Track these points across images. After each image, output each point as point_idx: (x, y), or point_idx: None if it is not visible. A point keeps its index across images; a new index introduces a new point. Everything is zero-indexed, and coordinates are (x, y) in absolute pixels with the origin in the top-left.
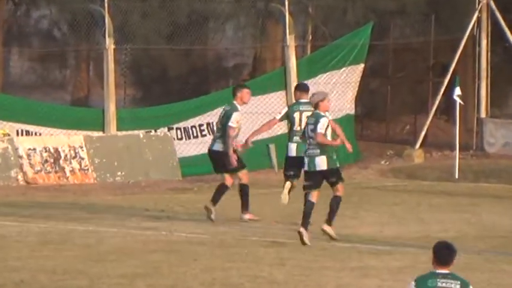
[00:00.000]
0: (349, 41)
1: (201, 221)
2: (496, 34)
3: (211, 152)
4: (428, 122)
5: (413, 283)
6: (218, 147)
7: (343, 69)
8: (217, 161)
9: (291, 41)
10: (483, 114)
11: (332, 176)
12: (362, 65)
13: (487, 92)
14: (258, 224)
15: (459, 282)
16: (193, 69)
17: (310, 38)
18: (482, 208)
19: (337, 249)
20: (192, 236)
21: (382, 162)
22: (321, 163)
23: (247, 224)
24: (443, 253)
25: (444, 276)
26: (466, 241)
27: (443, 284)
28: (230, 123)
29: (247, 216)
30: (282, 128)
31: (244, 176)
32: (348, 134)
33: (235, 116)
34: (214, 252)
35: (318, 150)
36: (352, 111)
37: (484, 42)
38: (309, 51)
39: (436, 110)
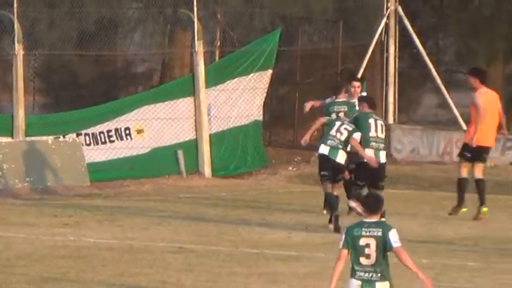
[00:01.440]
0: (257, 47)
1: (109, 226)
2: (404, 40)
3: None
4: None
5: (345, 229)
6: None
7: (251, 75)
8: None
9: (199, 47)
10: (391, 121)
11: None
12: (270, 71)
13: (395, 98)
14: (165, 229)
15: (381, 229)
16: (102, 75)
17: (219, 44)
18: (390, 214)
19: (245, 255)
20: (100, 241)
21: (290, 168)
22: None
23: (155, 229)
24: (371, 202)
25: (369, 225)
26: None
27: (367, 233)
28: None
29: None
30: (190, 135)
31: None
32: (256, 141)
33: None
34: (122, 258)
35: None
36: (260, 118)
37: (391, 49)
38: (217, 57)
39: None
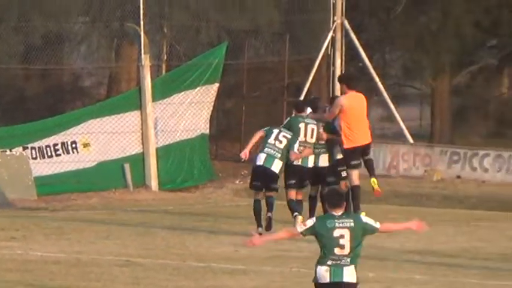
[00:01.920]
0: (203, 60)
1: (56, 240)
2: (351, 54)
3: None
4: None
5: (313, 219)
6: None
7: (198, 88)
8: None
9: (145, 60)
10: None
11: None
12: (217, 85)
13: None
14: (112, 243)
15: (352, 220)
16: (49, 89)
17: (165, 57)
18: None
19: (192, 269)
20: (48, 255)
21: (237, 181)
22: None
23: (102, 243)
24: (334, 198)
25: (339, 217)
26: None
27: (340, 224)
28: None
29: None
30: (136, 148)
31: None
32: (203, 154)
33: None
34: (69, 272)
35: None
36: (207, 131)
37: (338, 62)
38: (164, 71)
39: None
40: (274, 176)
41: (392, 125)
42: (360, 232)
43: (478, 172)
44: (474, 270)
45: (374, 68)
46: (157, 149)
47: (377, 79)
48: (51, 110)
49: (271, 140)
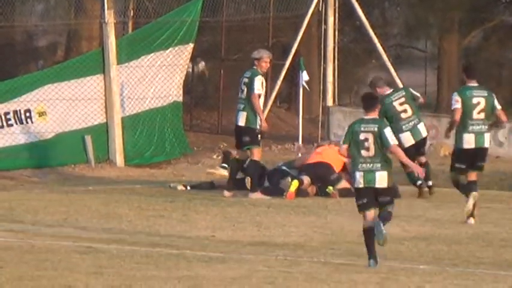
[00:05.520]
0: (176, 17)
1: (8, 223)
2: (345, 10)
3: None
4: (266, 111)
5: (347, 126)
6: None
7: (170, 49)
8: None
9: (109, 17)
10: (330, 102)
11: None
12: (191, 45)
13: (334, 77)
14: (72, 226)
15: (377, 125)
16: None
17: (132, 13)
18: (329, 210)
19: (163, 257)
20: None
21: (214, 156)
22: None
23: (59, 227)
24: (366, 101)
25: (367, 121)
26: (311, 248)
27: (365, 129)
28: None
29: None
30: (99, 118)
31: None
32: (175, 125)
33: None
34: (22, 259)
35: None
36: (180, 98)
37: (330, 20)
38: (130, 29)
39: (275, 97)
40: (240, 130)
41: None
42: (379, 138)
43: (491, 146)
44: (486, 259)
45: (372, 27)
46: (122, 119)
47: (375, 40)
48: (1, 73)
49: (239, 95)
